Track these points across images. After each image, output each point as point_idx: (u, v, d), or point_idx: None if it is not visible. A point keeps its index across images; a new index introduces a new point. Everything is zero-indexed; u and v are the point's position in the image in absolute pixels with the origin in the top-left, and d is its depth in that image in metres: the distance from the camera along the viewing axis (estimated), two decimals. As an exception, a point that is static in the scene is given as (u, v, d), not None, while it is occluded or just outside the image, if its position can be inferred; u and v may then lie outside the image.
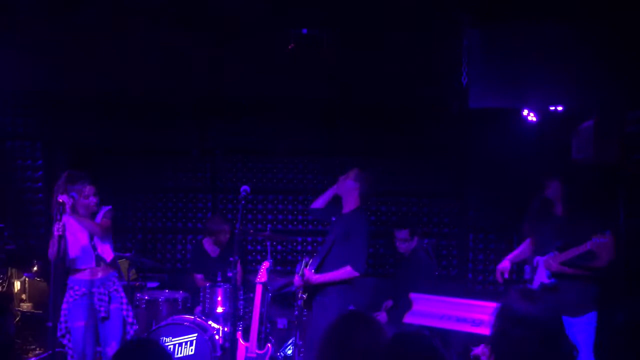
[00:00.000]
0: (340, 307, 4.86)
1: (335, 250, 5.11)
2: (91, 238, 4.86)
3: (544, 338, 2.40)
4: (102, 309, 4.83)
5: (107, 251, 4.91)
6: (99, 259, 4.88)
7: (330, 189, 5.48)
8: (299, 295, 5.26)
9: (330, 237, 5.23)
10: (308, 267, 5.22)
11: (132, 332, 4.96)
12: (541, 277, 4.56)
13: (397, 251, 6.37)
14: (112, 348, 4.81)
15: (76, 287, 4.85)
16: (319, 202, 5.51)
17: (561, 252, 4.40)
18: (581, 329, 4.25)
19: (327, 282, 5.05)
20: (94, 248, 4.87)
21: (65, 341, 4.84)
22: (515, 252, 5.13)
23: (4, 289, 6.98)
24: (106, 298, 4.86)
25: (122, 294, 4.96)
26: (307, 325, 5.49)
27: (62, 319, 4.82)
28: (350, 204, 5.23)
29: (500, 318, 2.50)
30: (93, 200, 4.84)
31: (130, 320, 4.94)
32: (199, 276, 6.62)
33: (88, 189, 4.80)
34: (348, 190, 5.23)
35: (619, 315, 4.54)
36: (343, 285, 5.04)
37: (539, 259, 4.63)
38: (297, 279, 5.25)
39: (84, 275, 4.86)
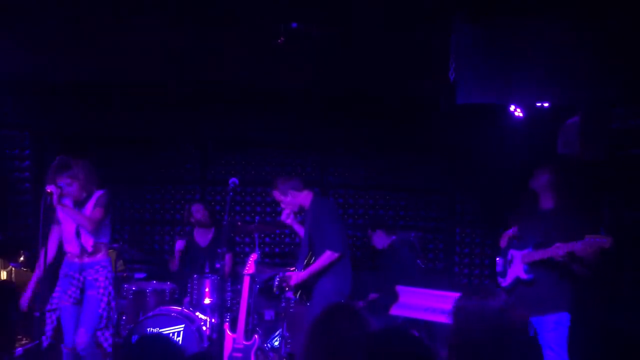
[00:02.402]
0: (336, 296, 4.97)
1: (316, 245, 5.18)
2: (76, 226, 4.86)
3: (499, 330, 2.41)
4: (71, 293, 4.82)
5: (88, 240, 4.85)
6: (82, 248, 4.87)
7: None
8: (290, 295, 5.33)
9: (305, 234, 5.33)
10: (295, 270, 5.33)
11: (106, 323, 4.83)
12: (517, 272, 4.40)
13: (376, 248, 6.49)
14: (79, 335, 4.73)
15: (63, 269, 4.91)
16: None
17: (538, 249, 4.24)
18: (551, 328, 4.16)
19: (315, 273, 5.09)
20: (78, 236, 4.86)
21: (52, 321, 4.84)
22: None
23: (-10, 279, 6.97)
24: (79, 284, 4.84)
25: (103, 284, 4.83)
26: (296, 316, 5.52)
27: (52, 300, 4.86)
28: (301, 202, 5.36)
29: (456, 315, 2.54)
30: (71, 188, 4.77)
31: (101, 312, 4.77)
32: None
33: (67, 176, 4.74)
34: (291, 203, 5.38)
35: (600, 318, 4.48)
36: (335, 276, 5.08)
37: (513, 253, 4.48)
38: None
39: (71, 259, 4.91)
